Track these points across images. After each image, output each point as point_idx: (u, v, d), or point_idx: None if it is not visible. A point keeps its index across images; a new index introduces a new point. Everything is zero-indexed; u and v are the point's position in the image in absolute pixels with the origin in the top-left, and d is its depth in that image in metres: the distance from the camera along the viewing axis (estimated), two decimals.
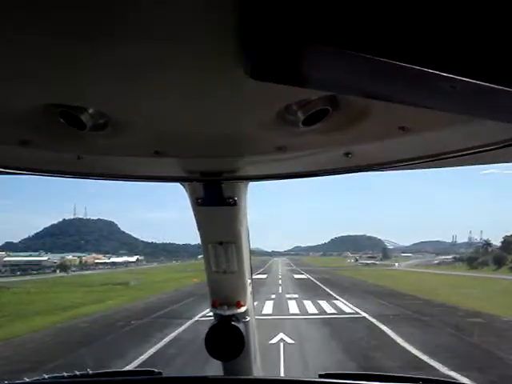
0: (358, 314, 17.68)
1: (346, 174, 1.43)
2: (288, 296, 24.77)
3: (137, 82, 0.82)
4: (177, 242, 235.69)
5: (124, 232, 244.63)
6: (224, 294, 1.91)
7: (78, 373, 2.05)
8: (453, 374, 8.70)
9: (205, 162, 1.33)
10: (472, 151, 1.13)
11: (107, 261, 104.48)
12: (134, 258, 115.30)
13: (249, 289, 1.97)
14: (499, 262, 60.71)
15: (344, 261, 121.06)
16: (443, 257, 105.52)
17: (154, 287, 34.66)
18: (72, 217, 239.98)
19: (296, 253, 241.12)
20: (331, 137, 1.11)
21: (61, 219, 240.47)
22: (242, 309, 1.92)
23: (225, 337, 1.87)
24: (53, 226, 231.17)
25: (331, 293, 26.38)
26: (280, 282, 37.84)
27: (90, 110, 0.96)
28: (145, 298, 26.65)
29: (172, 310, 20.16)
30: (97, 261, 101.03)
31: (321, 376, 2.02)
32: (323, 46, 0.52)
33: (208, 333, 1.88)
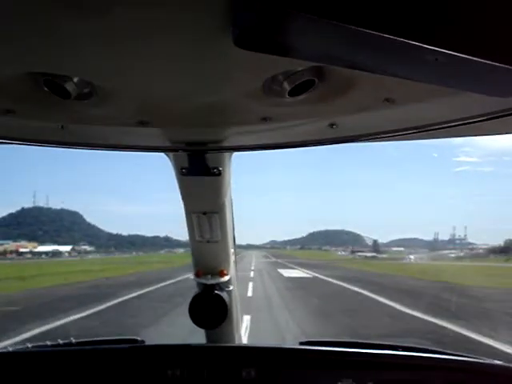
0: None
1: (329, 146, 1.42)
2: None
3: (123, 50, 0.81)
4: (147, 235, 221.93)
5: (90, 223, 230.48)
6: (207, 264, 1.96)
7: (61, 341, 2.11)
8: None
9: (190, 132, 1.34)
10: (457, 123, 1.16)
11: (34, 250, 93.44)
12: (67, 248, 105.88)
13: (232, 258, 2.03)
14: None
15: (333, 254, 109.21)
16: (447, 251, 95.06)
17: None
18: (31, 205, 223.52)
19: (272, 246, 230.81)
20: (317, 108, 1.13)
21: (19, 208, 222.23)
22: (226, 278, 1.97)
23: (208, 305, 1.93)
24: (10, 214, 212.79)
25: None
26: (250, 288, 18.18)
27: (75, 79, 0.95)
28: None
29: None
30: (21, 249, 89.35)
31: (301, 343, 2.13)
32: (306, 15, 0.52)
33: (192, 301, 1.94)
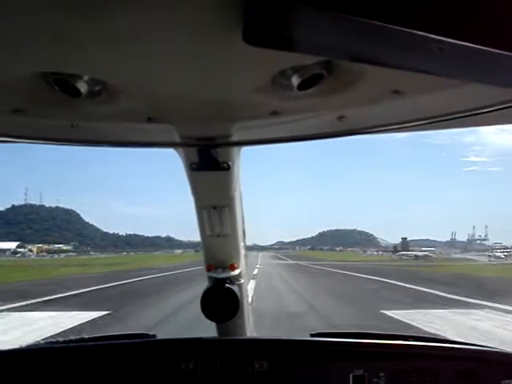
0: None
1: (337, 139, 1.41)
2: None
3: (133, 48, 0.83)
4: (145, 234, 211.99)
5: (87, 222, 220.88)
6: (218, 258, 1.96)
7: (73, 338, 2.14)
8: None
9: (199, 127, 1.34)
10: (465, 114, 1.16)
11: None
12: (11, 245, 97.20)
13: (242, 251, 2.03)
14: None
15: (356, 254, 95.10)
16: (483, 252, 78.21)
17: None
18: (22, 203, 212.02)
19: (280, 247, 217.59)
20: (325, 101, 1.14)
21: (10, 205, 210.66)
22: (236, 271, 1.97)
23: (220, 299, 1.92)
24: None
25: None
26: None
27: (85, 77, 0.97)
28: None
29: None
30: None
31: (312, 335, 2.13)
32: (312, 8, 0.53)
33: (203, 295, 1.93)
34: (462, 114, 1.16)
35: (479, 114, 1.13)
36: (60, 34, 0.76)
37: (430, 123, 1.23)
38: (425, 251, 74.49)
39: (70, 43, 0.79)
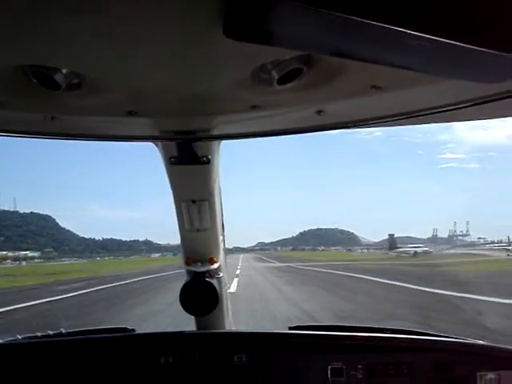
0: None
1: (316, 133, 1.43)
2: None
3: (111, 42, 0.82)
4: (123, 239, 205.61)
5: (63, 228, 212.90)
6: (197, 252, 1.95)
7: (51, 332, 2.12)
8: None
9: (179, 121, 1.35)
10: (444, 109, 1.18)
11: None
12: None
13: (221, 245, 2.03)
14: None
15: (346, 253, 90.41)
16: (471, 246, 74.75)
17: None
18: None
19: (261, 248, 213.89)
20: (304, 95, 1.14)
21: None
22: (215, 265, 1.96)
23: (199, 293, 1.91)
24: None
25: None
26: None
27: (64, 70, 0.95)
28: None
29: None
30: None
31: (291, 328, 2.14)
32: (292, 2, 0.53)
33: (182, 289, 1.92)
34: (440, 109, 1.17)
35: (458, 108, 1.14)
36: (39, 28, 0.75)
37: (408, 118, 1.24)
38: (416, 248, 71.64)
39: (49, 36, 0.78)
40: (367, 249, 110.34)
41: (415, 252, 57.45)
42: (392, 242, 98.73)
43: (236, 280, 20.32)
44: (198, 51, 0.86)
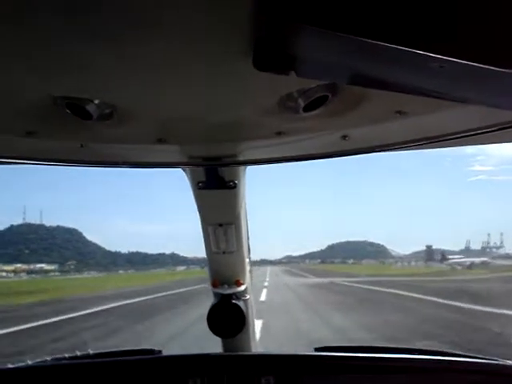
0: None
1: (341, 158, 1.43)
2: None
3: (143, 73, 0.85)
4: (149, 252, 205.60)
5: (89, 241, 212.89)
6: (224, 274, 1.97)
7: (79, 353, 2.12)
8: None
9: (206, 148, 1.38)
10: (469, 133, 1.18)
11: None
12: None
13: (247, 268, 2.04)
14: None
15: (387, 267, 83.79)
16: None
17: None
18: (21, 222, 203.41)
19: (289, 261, 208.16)
20: (329, 121, 1.17)
21: (8, 225, 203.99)
22: (242, 287, 1.98)
23: (226, 315, 1.94)
24: None
25: None
26: None
27: (96, 101, 0.99)
28: None
29: None
30: None
31: (317, 350, 2.12)
32: (316, 28, 0.53)
33: (210, 311, 1.95)
34: (465, 134, 1.17)
35: (483, 133, 1.13)
36: (73, 60, 0.78)
37: (432, 142, 1.24)
38: (456, 259, 64.60)
39: (82, 69, 0.81)
40: (408, 262, 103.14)
41: (472, 263, 50.49)
42: (429, 254, 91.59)
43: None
44: (226, 81, 0.88)
